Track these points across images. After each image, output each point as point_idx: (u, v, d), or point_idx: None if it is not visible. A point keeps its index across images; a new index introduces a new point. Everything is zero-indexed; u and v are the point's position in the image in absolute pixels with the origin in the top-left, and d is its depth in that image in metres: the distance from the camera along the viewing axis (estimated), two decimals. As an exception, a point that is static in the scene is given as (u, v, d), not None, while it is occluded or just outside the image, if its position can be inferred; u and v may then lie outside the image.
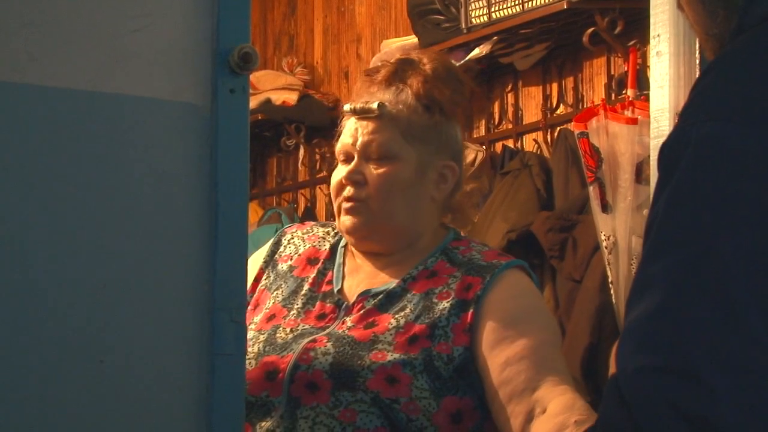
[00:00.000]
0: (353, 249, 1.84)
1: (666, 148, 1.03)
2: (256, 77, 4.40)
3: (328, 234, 1.89)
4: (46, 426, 1.17)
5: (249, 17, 1.31)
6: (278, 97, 4.49)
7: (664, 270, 0.98)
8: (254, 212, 4.55)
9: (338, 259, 1.84)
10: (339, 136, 1.85)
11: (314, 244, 1.88)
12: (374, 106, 1.79)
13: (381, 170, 1.78)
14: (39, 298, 1.17)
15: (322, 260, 1.84)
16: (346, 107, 1.84)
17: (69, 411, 1.18)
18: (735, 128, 0.99)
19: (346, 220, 1.79)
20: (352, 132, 1.81)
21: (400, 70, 1.84)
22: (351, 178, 1.78)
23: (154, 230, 1.23)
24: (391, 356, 1.66)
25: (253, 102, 4.32)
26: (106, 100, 1.22)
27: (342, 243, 1.86)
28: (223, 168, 1.26)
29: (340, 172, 1.81)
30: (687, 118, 1.03)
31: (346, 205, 1.78)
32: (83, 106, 1.21)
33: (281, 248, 1.89)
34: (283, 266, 1.86)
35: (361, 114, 1.81)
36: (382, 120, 1.80)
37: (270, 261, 1.88)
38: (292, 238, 1.90)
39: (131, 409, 1.21)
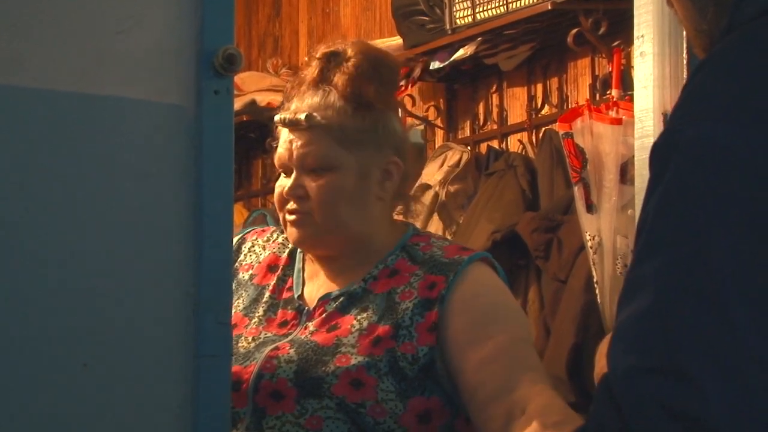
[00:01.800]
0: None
1: (656, 149, 1.03)
2: (240, 79, 4.40)
3: (287, 240, 1.85)
4: (31, 429, 1.16)
5: (233, 19, 1.31)
6: (263, 99, 4.48)
7: (654, 270, 0.98)
8: (239, 213, 4.54)
9: (297, 265, 1.82)
10: (276, 147, 1.82)
11: (274, 251, 1.85)
12: (302, 117, 1.74)
13: (320, 182, 1.74)
14: (22, 300, 1.17)
15: (281, 267, 1.82)
16: (276, 118, 1.79)
17: (53, 415, 1.17)
18: (725, 128, 0.99)
19: (292, 233, 1.76)
20: (286, 144, 1.78)
21: (325, 69, 1.78)
22: (293, 193, 1.75)
23: (139, 232, 1.23)
24: (355, 359, 1.64)
25: (238, 103, 4.32)
26: (91, 101, 1.21)
27: (300, 249, 1.84)
28: (208, 169, 1.26)
29: (282, 184, 1.78)
30: (677, 118, 1.03)
31: (290, 217, 1.76)
32: (68, 107, 1.20)
33: (241, 257, 1.86)
34: (244, 275, 1.83)
35: (291, 125, 1.77)
36: (314, 130, 1.75)
37: None
38: (253, 247, 1.87)
39: (116, 412, 1.20)
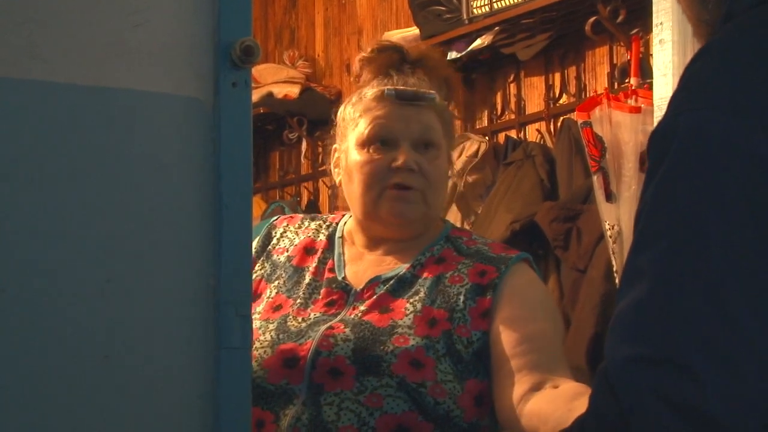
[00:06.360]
0: (354, 238, 1.83)
1: (654, 137, 1.03)
2: (257, 71, 4.40)
3: (321, 227, 1.87)
4: (51, 421, 1.17)
5: (251, 11, 1.30)
6: (280, 91, 4.49)
7: (651, 260, 0.99)
8: (258, 206, 4.55)
9: (337, 249, 1.83)
10: (356, 121, 1.79)
11: (309, 235, 1.86)
12: (431, 95, 1.77)
13: (433, 160, 1.76)
14: (43, 293, 1.17)
15: (320, 250, 1.83)
16: (387, 90, 1.76)
17: (75, 407, 1.18)
18: (721, 117, 0.98)
19: (396, 206, 1.74)
20: (395, 116, 1.75)
21: (407, 55, 1.83)
22: (410, 165, 1.73)
23: (159, 225, 1.23)
24: (413, 340, 1.66)
25: (255, 96, 4.32)
26: (109, 95, 1.21)
27: (338, 234, 1.85)
28: (226, 162, 1.26)
29: (377, 157, 1.75)
30: (675, 107, 1.03)
31: (397, 192, 1.73)
32: (86, 101, 1.21)
33: (274, 241, 1.87)
34: (279, 257, 1.84)
35: (413, 100, 1.76)
36: (427, 108, 1.77)
37: (263, 252, 1.86)
38: (285, 232, 1.88)
39: (137, 404, 1.21)
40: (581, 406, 1.24)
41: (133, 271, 1.21)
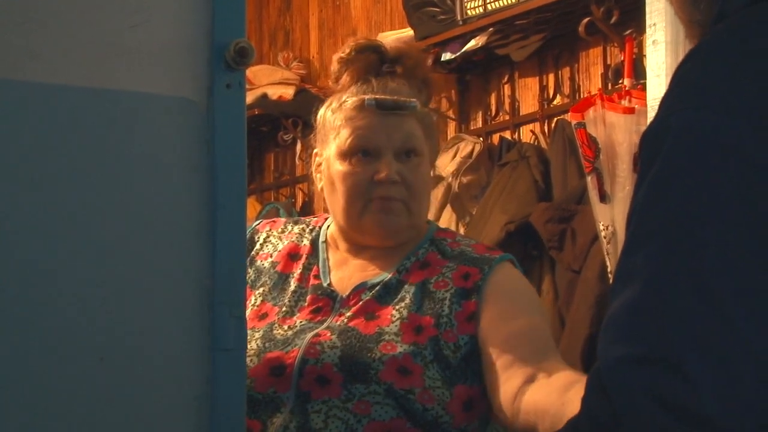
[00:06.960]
0: (338, 243, 1.82)
1: (646, 138, 1.03)
2: (252, 72, 4.40)
3: (304, 231, 1.86)
4: (46, 423, 1.17)
5: (245, 12, 1.31)
6: (275, 92, 4.49)
7: (643, 260, 0.99)
8: (252, 207, 4.55)
9: (321, 255, 1.82)
10: (338, 129, 1.77)
11: (293, 240, 1.85)
12: (412, 104, 1.74)
13: (416, 169, 1.74)
14: (37, 295, 1.17)
15: (305, 255, 1.81)
16: (368, 99, 1.74)
17: (69, 408, 1.18)
18: (712, 116, 0.99)
19: (380, 219, 1.73)
20: (376, 126, 1.73)
21: (388, 59, 1.80)
22: (392, 178, 1.72)
23: (153, 226, 1.23)
24: (401, 347, 1.65)
25: (250, 97, 4.32)
26: (104, 96, 1.22)
27: (322, 239, 1.84)
28: (220, 163, 1.26)
29: (364, 168, 1.73)
30: (666, 107, 1.04)
31: (383, 204, 1.73)
32: (81, 102, 1.21)
33: (257, 246, 1.86)
34: (263, 263, 1.83)
35: (393, 110, 1.74)
36: (409, 115, 1.75)
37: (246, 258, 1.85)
38: (268, 237, 1.86)
39: (132, 406, 1.21)
40: (575, 396, 1.23)
41: (128, 272, 1.21)
